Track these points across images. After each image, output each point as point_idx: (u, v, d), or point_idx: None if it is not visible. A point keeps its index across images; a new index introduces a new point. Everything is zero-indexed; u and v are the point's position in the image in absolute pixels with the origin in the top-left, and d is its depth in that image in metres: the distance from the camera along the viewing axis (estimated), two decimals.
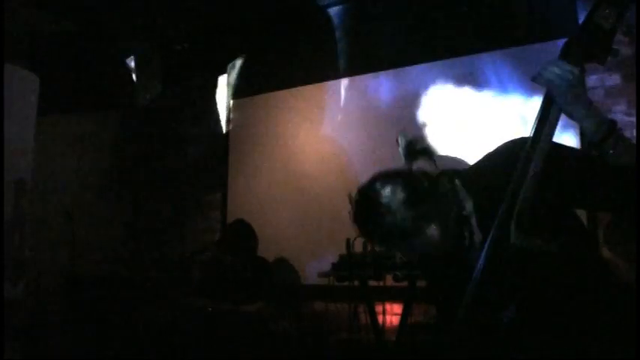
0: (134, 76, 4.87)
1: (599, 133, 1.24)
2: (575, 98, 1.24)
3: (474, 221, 1.39)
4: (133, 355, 3.71)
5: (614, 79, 3.33)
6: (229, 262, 3.68)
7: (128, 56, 4.69)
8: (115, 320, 3.99)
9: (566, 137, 3.41)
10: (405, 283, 3.17)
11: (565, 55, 1.29)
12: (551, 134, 1.29)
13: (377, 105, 4.09)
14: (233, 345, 3.32)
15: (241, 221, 3.85)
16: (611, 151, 1.22)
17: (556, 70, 1.25)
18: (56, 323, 3.96)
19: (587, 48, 1.26)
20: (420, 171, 1.41)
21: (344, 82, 4.32)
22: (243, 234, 3.74)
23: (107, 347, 3.82)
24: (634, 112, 3.22)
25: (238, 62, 4.80)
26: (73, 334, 3.84)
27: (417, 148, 1.46)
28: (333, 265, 3.48)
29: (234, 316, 3.41)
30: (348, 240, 3.19)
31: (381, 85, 4.10)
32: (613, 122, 1.24)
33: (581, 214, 1.45)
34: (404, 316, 3.29)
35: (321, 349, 3.51)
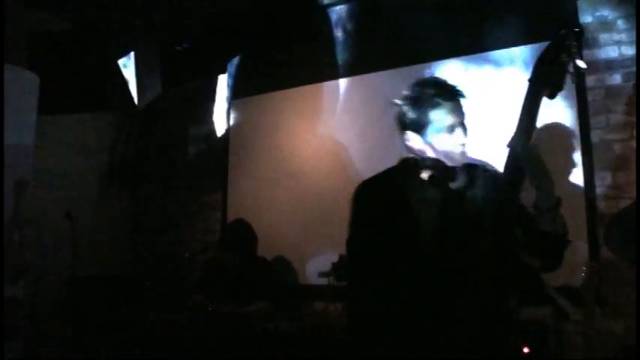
0: (134, 77, 4.87)
1: (549, 203, 1.54)
2: (538, 171, 1.51)
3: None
4: (133, 355, 3.71)
5: (614, 79, 3.33)
6: (229, 262, 3.67)
7: (128, 56, 4.69)
8: (115, 320, 3.99)
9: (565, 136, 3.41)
10: None
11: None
12: (517, 194, 1.54)
13: (377, 105, 4.09)
14: (233, 345, 3.32)
15: (240, 221, 3.85)
16: (547, 215, 1.54)
17: (525, 145, 1.47)
18: (56, 323, 3.96)
19: (546, 87, 1.50)
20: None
21: (344, 82, 4.31)
22: (242, 233, 3.74)
23: (107, 347, 3.82)
24: (634, 112, 3.22)
25: (238, 62, 4.80)
26: (73, 334, 3.84)
27: (407, 118, 1.68)
28: (333, 265, 3.48)
29: (234, 316, 3.41)
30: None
31: (382, 85, 4.09)
32: (559, 198, 1.57)
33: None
34: None
35: (321, 349, 3.50)
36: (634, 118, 3.21)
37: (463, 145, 1.67)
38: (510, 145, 1.50)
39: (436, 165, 1.64)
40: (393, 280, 1.63)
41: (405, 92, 1.71)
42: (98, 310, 4.08)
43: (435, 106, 1.65)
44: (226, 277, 3.66)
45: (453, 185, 1.62)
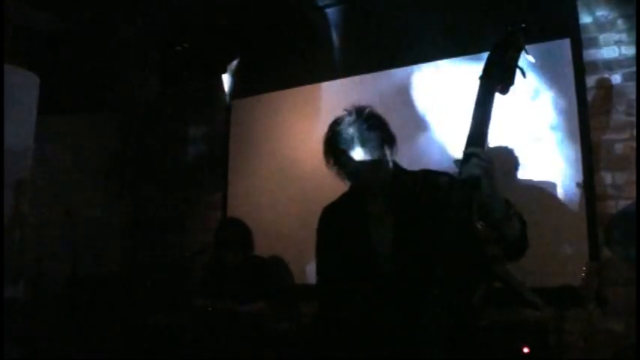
0: (134, 77, 4.87)
1: (500, 213, 1.51)
2: (489, 187, 1.48)
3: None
4: (132, 355, 3.71)
5: (614, 79, 3.33)
6: (229, 262, 3.67)
7: (128, 56, 4.69)
8: (115, 320, 3.99)
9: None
10: None
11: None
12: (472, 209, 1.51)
13: (378, 105, 4.09)
14: (233, 345, 3.32)
15: (232, 219, 3.86)
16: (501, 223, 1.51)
17: (477, 163, 1.47)
18: (56, 323, 3.96)
19: (497, 83, 1.53)
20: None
21: (344, 82, 4.31)
22: (235, 232, 3.73)
23: (107, 347, 3.82)
24: (634, 112, 3.22)
25: (238, 62, 4.79)
26: (73, 334, 3.84)
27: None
28: None
29: (234, 316, 3.41)
30: None
31: (382, 85, 4.09)
32: (509, 204, 1.55)
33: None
34: None
35: (320, 349, 3.50)
36: (634, 118, 3.21)
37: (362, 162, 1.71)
38: (466, 152, 1.51)
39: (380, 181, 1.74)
40: (357, 297, 1.76)
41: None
42: (98, 310, 4.08)
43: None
44: (226, 277, 3.65)
45: (403, 196, 1.73)
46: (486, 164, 1.45)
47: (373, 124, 1.75)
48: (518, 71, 1.55)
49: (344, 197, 1.95)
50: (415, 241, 1.64)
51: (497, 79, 1.53)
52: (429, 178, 1.79)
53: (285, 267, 4.13)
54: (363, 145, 1.71)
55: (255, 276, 3.62)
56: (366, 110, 1.79)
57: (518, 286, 1.46)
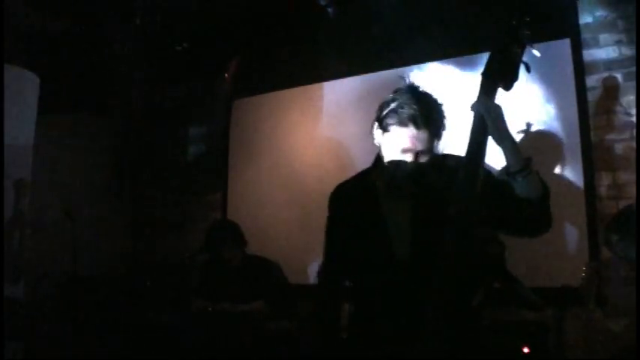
0: (134, 77, 4.87)
1: (517, 166, 1.47)
2: (504, 131, 1.47)
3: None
4: (132, 356, 3.71)
5: (614, 79, 3.33)
6: (228, 262, 3.67)
7: (128, 56, 4.69)
8: (115, 320, 3.99)
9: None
10: None
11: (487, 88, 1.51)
12: (482, 156, 1.49)
13: (378, 104, 4.09)
14: (233, 345, 3.32)
15: (224, 220, 3.85)
16: (520, 179, 1.47)
17: (489, 103, 1.46)
18: (56, 323, 3.96)
19: (500, 80, 1.50)
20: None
21: (345, 82, 4.31)
22: (231, 231, 3.72)
23: (107, 347, 3.82)
24: (634, 112, 3.22)
25: (239, 62, 4.79)
26: (73, 334, 3.84)
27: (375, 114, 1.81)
28: None
29: (234, 316, 3.41)
30: None
31: (383, 85, 4.09)
32: (529, 159, 1.50)
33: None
34: None
35: (320, 349, 3.50)
36: (634, 118, 3.21)
37: (413, 137, 1.63)
38: (473, 106, 1.50)
39: (401, 163, 1.65)
40: (365, 281, 1.70)
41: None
42: (98, 310, 4.07)
43: (391, 100, 1.72)
44: (225, 276, 3.65)
45: (422, 179, 1.63)
46: (490, 103, 1.43)
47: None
48: (522, 66, 1.52)
49: (363, 173, 1.90)
50: (430, 226, 1.55)
51: (500, 75, 1.50)
52: (448, 162, 1.70)
53: (288, 266, 4.12)
54: (417, 118, 1.65)
55: (252, 275, 3.61)
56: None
57: (520, 288, 1.45)
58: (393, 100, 1.69)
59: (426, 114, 1.62)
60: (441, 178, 1.60)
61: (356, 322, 1.74)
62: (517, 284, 1.45)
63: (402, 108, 1.64)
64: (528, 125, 3.41)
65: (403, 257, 1.63)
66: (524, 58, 1.52)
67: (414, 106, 1.62)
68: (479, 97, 1.49)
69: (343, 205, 1.85)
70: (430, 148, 1.64)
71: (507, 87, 1.51)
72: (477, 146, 1.47)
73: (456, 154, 1.72)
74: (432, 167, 1.64)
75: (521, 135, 3.41)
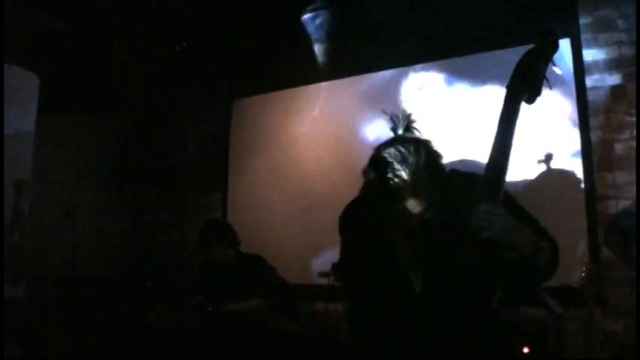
0: (134, 76, 4.87)
1: (532, 248, 1.44)
2: (510, 232, 1.39)
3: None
4: (132, 355, 3.71)
5: (614, 79, 3.33)
6: (228, 262, 3.66)
7: (128, 56, 4.69)
8: (115, 320, 3.99)
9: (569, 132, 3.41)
10: None
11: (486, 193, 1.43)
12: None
13: (378, 104, 4.09)
14: (232, 345, 3.32)
15: (215, 219, 3.85)
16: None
17: (489, 217, 1.36)
18: (56, 323, 3.96)
19: (524, 93, 1.51)
20: None
21: (345, 82, 4.31)
22: (224, 230, 3.71)
23: (107, 347, 3.82)
24: (634, 112, 3.22)
25: (239, 62, 4.79)
26: (73, 334, 3.84)
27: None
28: (333, 265, 3.48)
29: (233, 316, 3.40)
30: None
31: (383, 85, 4.09)
32: (537, 232, 1.50)
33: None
34: None
35: (321, 349, 3.50)
36: (634, 118, 3.21)
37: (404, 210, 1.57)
38: (488, 170, 1.44)
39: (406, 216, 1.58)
40: (381, 296, 1.66)
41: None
42: (98, 310, 4.07)
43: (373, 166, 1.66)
44: (225, 276, 3.64)
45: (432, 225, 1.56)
46: (498, 217, 1.35)
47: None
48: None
49: (370, 195, 1.76)
50: (441, 246, 1.52)
51: (524, 90, 1.51)
52: (457, 179, 1.64)
53: (288, 266, 4.11)
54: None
55: (254, 275, 3.61)
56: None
57: (540, 291, 1.45)
58: (375, 167, 1.62)
59: (414, 184, 1.53)
60: (451, 210, 1.54)
61: (368, 332, 1.72)
62: (537, 287, 1.44)
63: (385, 180, 1.56)
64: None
65: (419, 288, 1.58)
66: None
67: (398, 174, 1.55)
68: (494, 151, 1.47)
69: (356, 228, 1.84)
70: (429, 200, 1.56)
71: (530, 101, 1.54)
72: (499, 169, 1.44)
73: (461, 169, 1.69)
74: (439, 212, 1.56)
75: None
